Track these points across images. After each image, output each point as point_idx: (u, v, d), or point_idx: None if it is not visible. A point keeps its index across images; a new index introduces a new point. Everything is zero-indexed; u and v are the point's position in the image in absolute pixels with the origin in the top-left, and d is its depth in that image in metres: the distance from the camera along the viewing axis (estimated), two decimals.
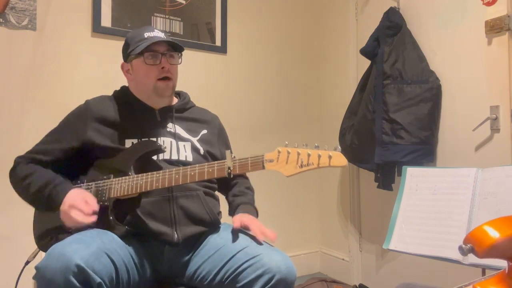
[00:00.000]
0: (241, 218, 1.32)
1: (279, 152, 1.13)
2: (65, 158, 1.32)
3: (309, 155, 1.09)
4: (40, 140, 1.37)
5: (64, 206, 1.17)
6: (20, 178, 1.29)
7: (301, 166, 1.10)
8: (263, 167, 1.14)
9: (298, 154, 1.10)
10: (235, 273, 1.19)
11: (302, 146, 1.12)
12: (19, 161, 1.34)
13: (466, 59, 1.92)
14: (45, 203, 1.24)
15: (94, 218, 1.16)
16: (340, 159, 1.08)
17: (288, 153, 1.12)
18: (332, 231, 2.76)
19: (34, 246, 1.34)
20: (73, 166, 1.34)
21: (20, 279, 1.40)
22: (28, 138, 1.91)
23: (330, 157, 1.07)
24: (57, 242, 1.09)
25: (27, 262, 1.38)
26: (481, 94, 1.85)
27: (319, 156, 1.08)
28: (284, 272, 1.15)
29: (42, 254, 1.22)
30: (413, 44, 2.09)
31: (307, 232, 2.83)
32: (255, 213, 1.41)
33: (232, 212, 1.43)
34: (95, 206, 1.18)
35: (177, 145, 1.37)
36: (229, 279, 1.20)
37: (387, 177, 2.13)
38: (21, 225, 1.48)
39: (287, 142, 1.14)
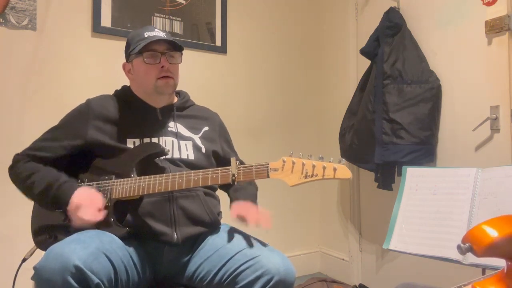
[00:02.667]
0: (238, 209, 1.31)
1: (284, 161, 1.13)
2: (65, 156, 1.32)
3: (314, 166, 1.10)
4: (39, 137, 1.36)
5: (71, 206, 1.17)
6: (22, 177, 1.28)
7: (306, 176, 1.11)
8: (268, 176, 1.15)
9: (303, 164, 1.11)
10: (233, 274, 1.19)
11: (306, 157, 1.12)
12: (18, 158, 1.32)
13: (466, 59, 1.92)
14: (51, 203, 1.23)
15: (101, 216, 1.17)
16: (345, 172, 1.09)
17: (293, 163, 1.12)
18: (332, 231, 2.76)
19: (32, 245, 1.34)
20: (73, 165, 1.33)
21: (17, 277, 1.40)
22: (28, 138, 1.91)
23: (335, 169, 1.08)
24: (56, 241, 1.09)
25: (24, 260, 1.38)
26: (481, 94, 1.85)
27: (324, 168, 1.09)
28: (283, 273, 1.15)
29: (38, 252, 1.22)
30: (413, 44, 2.09)
31: (307, 232, 2.83)
32: (254, 197, 1.42)
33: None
34: (101, 204, 1.19)
35: (179, 144, 1.37)
36: (228, 280, 1.20)
37: (387, 177, 2.13)
38: (20, 225, 1.48)
39: (291, 152, 1.14)
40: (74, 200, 1.18)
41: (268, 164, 1.15)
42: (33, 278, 1.02)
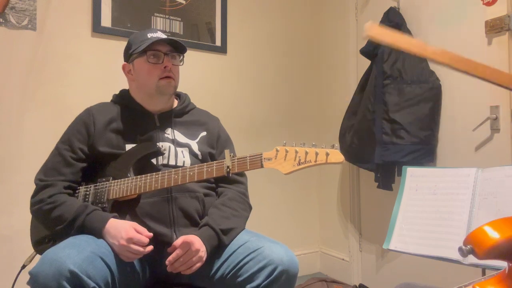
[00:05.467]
0: (183, 240, 1.20)
1: (277, 150, 1.14)
2: (83, 165, 1.33)
3: (306, 153, 1.11)
4: (51, 154, 1.35)
5: (121, 241, 1.14)
6: (45, 210, 1.23)
7: (299, 163, 1.11)
8: (262, 166, 1.15)
9: (296, 152, 1.12)
10: (236, 268, 1.19)
11: (299, 145, 1.13)
12: (41, 186, 1.28)
13: None
14: (80, 230, 1.19)
15: (151, 246, 1.17)
16: (337, 156, 1.09)
17: (286, 151, 1.13)
18: (332, 231, 2.76)
19: (31, 251, 1.34)
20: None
21: (16, 283, 1.39)
22: (28, 138, 1.92)
23: (327, 154, 1.09)
24: (54, 244, 1.09)
25: (23, 266, 1.37)
26: (481, 94, 1.85)
27: (317, 154, 1.10)
28: (286, 263, 1.16)
29: (38, 257, 1.22)
30: None
31: (307, 232, 2.83)
32: (212, 240, 1.24)
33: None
34: (148, 233, 1.18)
35: (175, 150, 1.37)
36: (230, 274, 1.20)
37: (387, 177, 2.13)
38: (21, 226, 1.48)
39: (285, 142, 1.15)
40: (122, 235, 1.14)
41: (261, 154, 1.16)
42: (28, 283, 1.03)
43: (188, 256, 1.18)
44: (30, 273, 1.02)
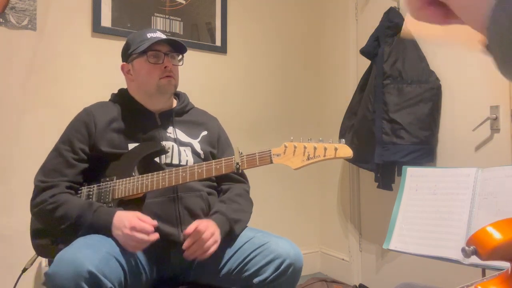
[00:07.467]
0: (197, 225, 1.20)
1: (285, 146, 1.15)
2: (84, 166, 1.32)
3: (315, 148, 1.12)
4: (51, 154, 1.33)
5: (125, 230, 1.12)
6: (48, 210, 1.21)
7: (308, 158, 1.12)
8: (271, 161, 1.16)
9: (305, 147, 1.13)
10: (243, 263, 1.21)
11: (306, 141, 1.14)
12: (42, 187, 1.25)
13: (466, 59, 1.92)
14: (88, 230, 1.17)
15: (157, 235, 1.15)
16: (346, 150, 1.10)
17: (295, 147, 1.14)
18: (332, 231, 2.76)
19: (32, 252, 1.33)
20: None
21: (17, 285, 1.39)
22: (28, 138, 1.92)
23: (336, 149, 1.10)
24: (57, 247, 1.08)
25: (24, 269, 1.36)
26: (481, 94, 1.85)
27: (325, 149, 1.11)
28: (293, 257, 1.18)
29: (39, 260, 1.20)
30: (413, 44, 2.09)
31: (307, 232, 2.83)
32: (225, 225, 1.27)
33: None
34: (152, 221, 1.17)
35: (178, 150, 1.37)
36: (236, 269, 1.22)
37: (387, 177, 2.13)
38: (21, 226, 1.48)
39: (292, 138, 1.16)
40: (125, 225, 1.13)
41: (270, 150, 1.17)
42: (44, 284, 1.02)
43: (204, 240, 1.18)
44: (46, 274, 1.01)
